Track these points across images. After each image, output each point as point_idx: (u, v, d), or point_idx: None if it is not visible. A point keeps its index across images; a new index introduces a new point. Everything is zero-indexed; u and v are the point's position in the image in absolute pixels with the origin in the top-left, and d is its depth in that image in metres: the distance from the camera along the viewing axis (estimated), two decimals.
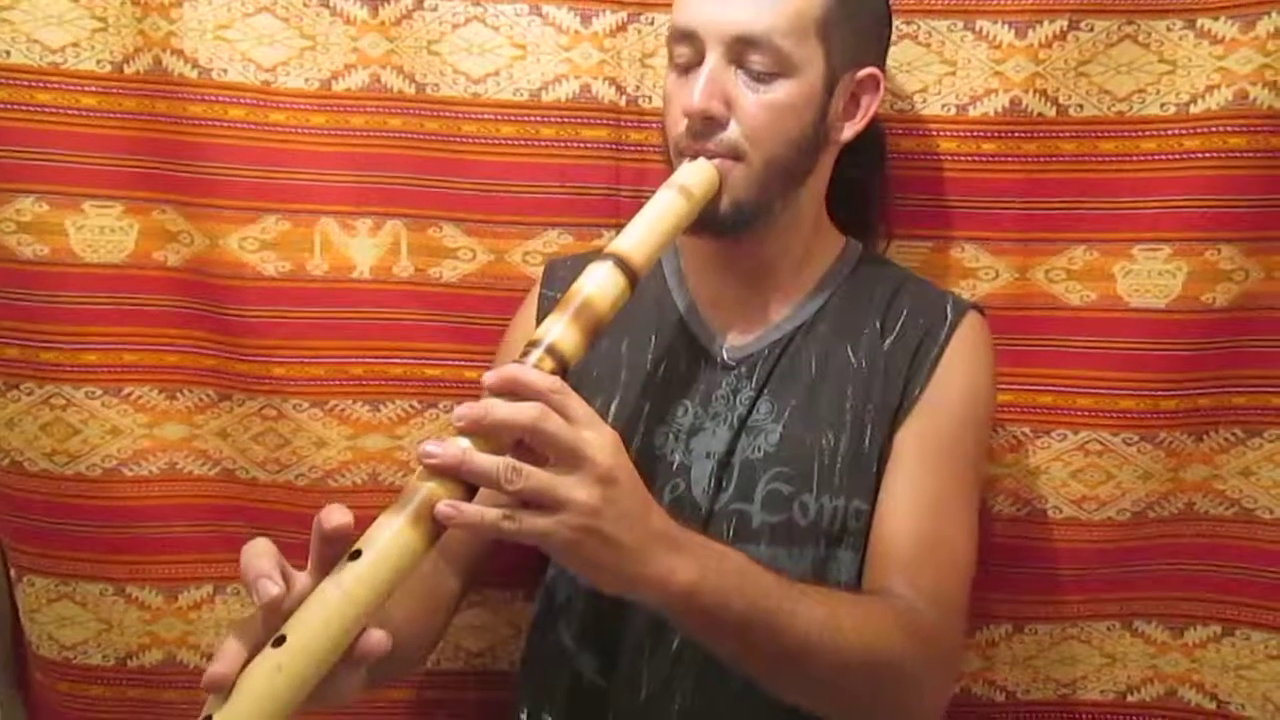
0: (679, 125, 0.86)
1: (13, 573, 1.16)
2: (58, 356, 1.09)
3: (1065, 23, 1.00)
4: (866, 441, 0.88)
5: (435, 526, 0.62)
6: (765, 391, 0.90)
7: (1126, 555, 1.10)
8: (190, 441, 1.12)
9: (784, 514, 0.86)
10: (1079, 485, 1.08)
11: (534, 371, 0.66)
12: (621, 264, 0.75)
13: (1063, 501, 1.09)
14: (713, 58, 0.84)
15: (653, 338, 0.95)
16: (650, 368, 0.94)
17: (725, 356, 0.93)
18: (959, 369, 0.90)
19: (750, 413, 0.89)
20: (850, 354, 0.91)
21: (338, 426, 1.10)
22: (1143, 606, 1.13)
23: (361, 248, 1.08)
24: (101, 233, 1.07)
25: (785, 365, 0.91)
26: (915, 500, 0.86)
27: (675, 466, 0.89)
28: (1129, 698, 1.15)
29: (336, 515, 0.61)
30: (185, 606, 1.16)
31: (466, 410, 0.65)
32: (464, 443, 0.64)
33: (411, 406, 1.11)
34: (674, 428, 0.91)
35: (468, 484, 0.64)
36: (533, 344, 0.70)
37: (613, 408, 0.92)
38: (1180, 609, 1.13)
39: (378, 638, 0.61)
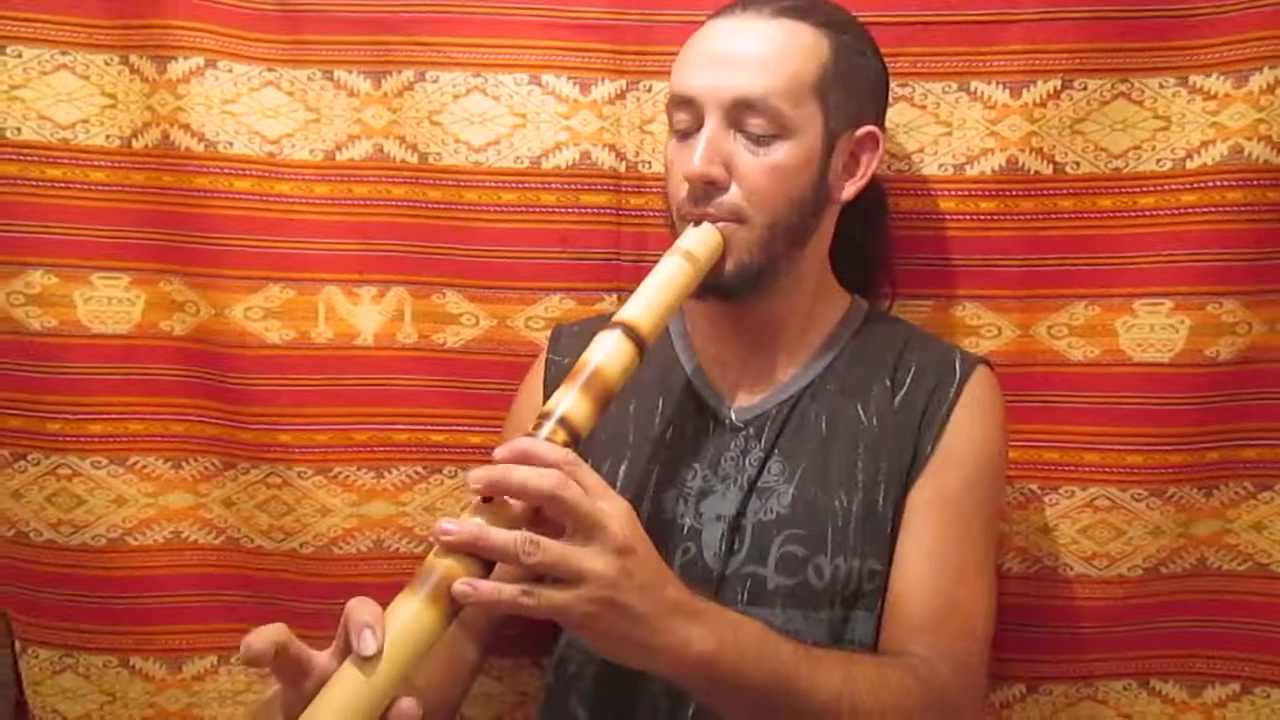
0: (681, 190, 0.87)
1: (17, 644, 1.15)
2: (64, 427, 1.09)
3: (1058, 82, 1.01)
4: (880, 501, 0.87)
5: (453, 605, 0.63)
6: (775, 452, 0.90)
7: (1140, 613, 1.08)
8: (195, 510, 1.12)
9: (798, 576, 0.86)
10: (1089, 542, 1.06)
11: (546, 444, 0.67)
12: (630, 332, 0.76)
13: (1073, 559, 1.07)
14: (712, 122, 0.85)
15: (660, 400, 0.95)
16: (658, 431, 0.93)
17: (733, 418, 0.92)
18: (969, 426, 0.90)
19: (760, 474, 0.89)
20: (860, 412, 0.90)
21: (342, 494, 1.10)
22: (1159, 665, 1.11)
23: (365, 315, 1.09)
24: (109, 304, 1.09)
25: (794, 425, 0.90)
26: (931, 561, 0.86)
27: (686, 530, 0.89)
28: None
29: (367, 620, 0.61)
30: (189, 677, 1.15)
31: (485, 473, 0.65)
32: (479, 520, 0.64)
33: (416, 472, 1.11)
34: (683, 491, 0.90)
35: (484, 560, 0.64)
36: (544, 416, 0.70)
37: (621, 471, 0.92)
38: (1197, 667, 1.11)
39: (407, 705, 0.61)
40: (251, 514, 1.11)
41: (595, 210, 1.07)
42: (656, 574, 0.67)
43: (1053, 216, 1.04)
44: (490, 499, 0.66)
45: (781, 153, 0.85)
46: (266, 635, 0.60)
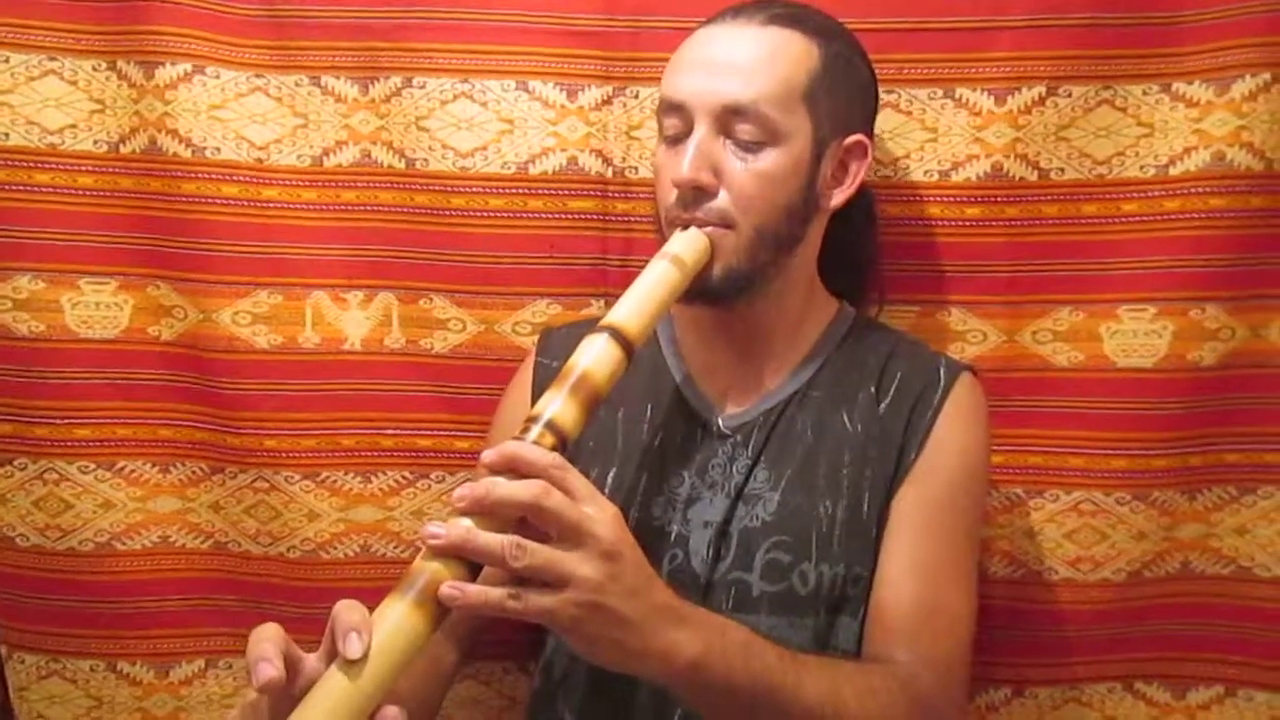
0: (670, 195, 0.87)
1: (3, 650, 1.15)
2: (51, 432, 1.09)
3: (1043, 89, 1.02)
4: (864, 508, 0.88)
5: (439, 609, 0.63)
6: (762, 459, 0.90)
7: (1125, 616, 1.09)
8: (183, 515, 1.12)
9: (783, 583, 0.86)
10: (1073, 546, 1.07)
11: (534, 448, 0.67)
12: (617, 336, 0.76)
13: (1058, 563, 1.08)
14: (701, 128, 0.86)
15: (649, 407, 0.95)
16: (647, 438, 0.94)
17: (721, 425, 0.93)
18: (953, 432, 0.90)
19: (747, 481, 0.89)
20: (846, 420, 0.91)
21: (329, 498, 1.10)
22: (1144, 668, 1.11)
23: (353, 320, 1.09)
24: (96, 309, 1.08)
25: (781, 433, 0.91)
26: (913, 566, 0.86)
27: (673, 537, 0.89)
28: None
29: (354, 623, 0.60)
30: (176, 682, 1.14)
31: (467, 490, 0.65)
32: (466, 522, 0.64)
33: (403, 477, 1.11)
34: (671, 497, 0.91)
35: (471, 564, 0.64)
36: (532, 420, 0.70)
37: (610, 478, 0.92)
38: (1182, 670, 1.11)
39: (393, 714, 0.61)
40: (239, 519, 1.11)
41: (582, 216, 1.07)
42: (643, 578, 0.68)
43: (1037, 222, 1.04)
44: None
45: (770, 160, 0.86)
46: (274, 656, 0.59)
